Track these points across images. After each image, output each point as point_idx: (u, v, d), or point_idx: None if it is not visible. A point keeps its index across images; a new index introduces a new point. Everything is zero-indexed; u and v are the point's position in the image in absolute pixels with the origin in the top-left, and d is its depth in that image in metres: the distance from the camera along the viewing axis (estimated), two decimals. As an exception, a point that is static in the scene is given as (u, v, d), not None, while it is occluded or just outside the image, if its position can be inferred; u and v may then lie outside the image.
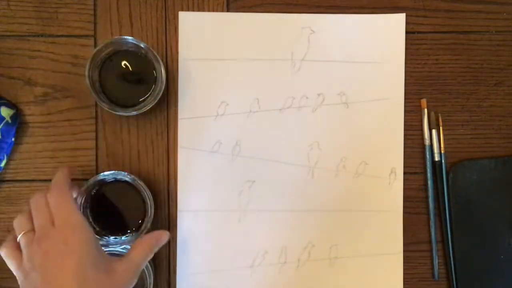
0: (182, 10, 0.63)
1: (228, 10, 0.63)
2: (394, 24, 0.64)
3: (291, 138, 0.63)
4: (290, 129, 0.63)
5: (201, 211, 0.63)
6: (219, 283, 0.63)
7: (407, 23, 0.64)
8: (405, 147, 0.64)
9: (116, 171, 0.58)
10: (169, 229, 0.63)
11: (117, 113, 0.58)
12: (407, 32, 0.64)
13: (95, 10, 0.63)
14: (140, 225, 0.59)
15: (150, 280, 0.58)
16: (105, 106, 0.58)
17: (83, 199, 0.58)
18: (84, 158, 0.63)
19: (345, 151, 0.64)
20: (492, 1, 0.64)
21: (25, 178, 0.63)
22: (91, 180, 0.57)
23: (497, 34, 0.65)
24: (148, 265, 0.58)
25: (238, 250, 0.63)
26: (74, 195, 0.56)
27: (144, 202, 0.59)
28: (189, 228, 0.63)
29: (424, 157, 0.64)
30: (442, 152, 0.64)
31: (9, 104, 0.62)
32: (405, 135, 0.64)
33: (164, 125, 0.63)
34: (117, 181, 0.60)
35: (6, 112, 0.60)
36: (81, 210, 0.57)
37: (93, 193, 0.59)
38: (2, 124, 0.60)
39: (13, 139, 0.61)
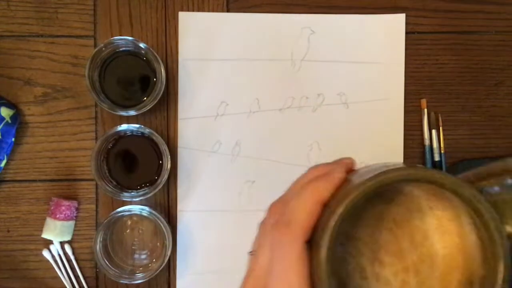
0: (182, 10, 0.63)
1: (228, 10, 0.63)
2: (394, 24, 0.64)
3: (291, 138, 0.63)
4: (290, 129, 0.63)
5: (201, 211, 0.63)
6: (219, 283, 0.63)
7: (407, 23, 0.64)
8: (405, 147, 0.64)
9: (133, 124, 0.58)
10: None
11: (117, 113, 0.59)
12: (407, 32, 0.64)
13: (95, 10, 0.63)
14: (155, 180, 0.59)
15: (169, 240, 0.59)
16: (105, 106, 0.58)
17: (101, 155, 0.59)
18: (84, 158, 0.63)
19: (345, 151, 0.63)
20: (492, 1, 0.64)
21: (25, 178, 0.63)
22: (109, 133, 0.57)
23: (497, 34, 0.65)
24: (167, 225, 0.59)
25: (238, 250, 0.63)
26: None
27: (159, 156, 0.59)
28: (189, 228, 0.63)
29: (424, 157, 0.64)
30: (442, 152, 0.63)
31: (9, 104, 0.62)
32: (405, 135, 0.64)
33: (164, 125, 0.63)
34: (133, 135, 0.60)
35: (6, 112, 0.60)
36: (99, 167, 0.58)
37: (110, 147, 0.60)
38: (2, 124, 0.60)
39: (13, 139, 0.61)
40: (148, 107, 0.58)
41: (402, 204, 0.37)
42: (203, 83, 0.63)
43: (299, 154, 0.63)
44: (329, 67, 0.64)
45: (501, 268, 0.33)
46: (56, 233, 0.61)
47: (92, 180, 0.63)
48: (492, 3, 0.64)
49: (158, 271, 0.58)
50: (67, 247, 0.62)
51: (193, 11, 0.63)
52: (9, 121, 0.60)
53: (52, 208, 0.61)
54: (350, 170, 0.39)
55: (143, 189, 0.60)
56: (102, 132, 0.63)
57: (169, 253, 0.58)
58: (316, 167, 0.39)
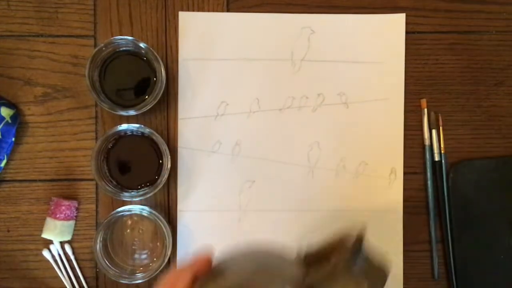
0: (182, 10, 0.63)
1: (228, 10, 0.63)
2: (394, 24, 0.64)
3: (291, 138, 0.63)
4: (290, 129, 0.63)
5: (201, 211, 0.63)
6: (219, 283, 0.63)
7: (407, 23, 0.64)
8: (405, 147, 0.64)
9: (133, 124, 0.58)
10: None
11: (117, 113, 0.59)
12: (407, 32, 0.64)
13: (95, 10, 0.63)
14: (155, 180, 0.59)
15: (169, 240, 0.59)
16: (105, 106, 0.58)
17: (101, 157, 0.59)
18: (84, 158, 0.63)
19: (345, 151, 0.64)
20: (492, 1, 0.64)
21: (25, 178, 0.63)
22: (109, 133, 0.57)
23: (497, 34, 0.65)
24: (167, 225, 0.59)
25: (238, 250, 0.63)
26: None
27: (159, 156, 0.59)
28: (189, 228, 0.63)
29: (424, 157, 0.64)
30: (442, 152, 0.63)
31: (9, 104, 0.62)
32: (405, 135, 0.64)
33: (164, 125, 0.63)
34: (133, 135, 0.60)
35: (6, 112, 0.60)
36: (99, 167, 0.58)
37: (110, 146, 0.60)
38: (2, 124, 0.60)
39: (13, 139, 0.61)
40: (148, 107, 0.58)
41: None
42: (203, 83, 0.63)
43: (299, 154, 0.63)
44: (329, 67, 0.64)
45: None
46: (56, 233, 0.61)
47: (92, 180, 0.63)
48: (492, 3, 0.64)
49: (158, 271, 0.58)
50: (67, 247, 0.62)
51: (193, 11, 0.63)
52: (9, 121, 0.60)
53: (52, 208, 0.61)
54: (206, 266, 0.41)
55: (143, 189, 0.60)
56: (102, 132, 0.63)
57: (169, 253, 0.58)
58: (169, 273, 0.41)
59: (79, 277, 0.63)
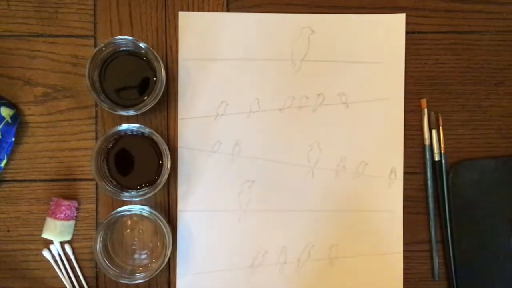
0: (182, 10, 0.63)
1: (228, 10, 0.63)
2: (394, 24, 0.64)
3: (291, 138, 0.63)
4: (290, 129, 0.63)
5: (201, 211, 0.63)
6: (219, 283, 0.63)
7: (407, 23, 0.64)
8: (405, 147, 0.64)
9: (133, 124, 0.58)
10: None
11: (117, 113, 0.59)
12: (407, 32, 0.64)
13: (95, 10, 0.63)
14: (155, 180, 0.59)
15: (169, 240, 0.58)
16: (105, 106, 0.58)
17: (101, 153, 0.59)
18: (84, 158, 0.63)
19: (345, 151, 0.64)
20: (492, 1, 0.64)
21: (25, 178, 0.63)
22: (109, 133, 0.57)
23: (497, 34, 0.65)
24: (167, 225, 0.59)
25: (238, 250, 0.63)
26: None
27: (159, 156, 0.59)
28: (189, 228, 0.63)
29: (424, 157, 0.64)
30: (442, 152, 0.63)
31: (9, 104, 0.62)
32: (405, 135, 0.64)
33: (164, 125, 0.63)
34: (133, 135, 0.60)
35: (6, 112, 0.60)
36: (99, 167, 0.58)
37: (110, 146, 0.60)
38: (2, 124, 0.60)
39: (13, 139, 0.61)
40: (148, 107, 0.58)
41: None
42: (203, 83, 0.63)
43: (299, 154, 0.63)
44: (329, 67, 0.64)
45: None
46: (56, 233, 0.61)
47: (92, 180, 0.63)
48: (492, 3, 0.64)
49: (158, 271, 0.58)
50: (67, 247, 0.62)
51: (193, 11, 0.63)
52: (9, 121, 0.60)
53: (52, 208, 0.61)
54: None
55: (143, 189, 0.60)
56: (102, 132, 0.63)
57: (169, 253, 0.58)
58: None
59: (79, 277, 0.63)
